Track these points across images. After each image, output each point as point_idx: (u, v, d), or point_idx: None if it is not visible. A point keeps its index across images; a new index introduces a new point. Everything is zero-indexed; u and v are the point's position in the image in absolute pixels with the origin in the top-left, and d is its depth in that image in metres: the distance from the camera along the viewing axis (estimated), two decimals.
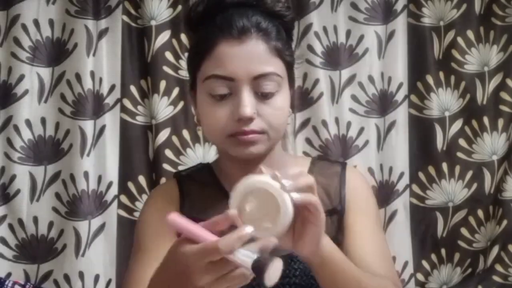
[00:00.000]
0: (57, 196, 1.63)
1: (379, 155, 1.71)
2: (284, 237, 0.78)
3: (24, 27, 1.63)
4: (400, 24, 1.72)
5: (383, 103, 1.71)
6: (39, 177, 1.63)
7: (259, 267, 0.70)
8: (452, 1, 1.72)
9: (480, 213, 1.70)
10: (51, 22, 1.65)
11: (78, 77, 1.63)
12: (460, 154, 1.71)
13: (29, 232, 1.61)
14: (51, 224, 1.62)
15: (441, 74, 1.72)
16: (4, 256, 1.61)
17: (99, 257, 1.62)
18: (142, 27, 1.67)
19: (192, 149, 1.67)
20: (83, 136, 1.62)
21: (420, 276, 1.70)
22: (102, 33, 1.65)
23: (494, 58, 1.72)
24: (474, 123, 1.71)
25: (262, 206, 0.76)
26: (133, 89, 1.68)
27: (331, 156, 1.66)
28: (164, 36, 1.66)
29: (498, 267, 1.67)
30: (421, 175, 1.71)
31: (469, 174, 1.70)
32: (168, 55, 1.67)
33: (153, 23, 1.66)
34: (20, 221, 1.61)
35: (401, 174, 1.70)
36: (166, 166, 1.64)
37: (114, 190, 1.64)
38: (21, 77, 1.62)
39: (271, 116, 0.97)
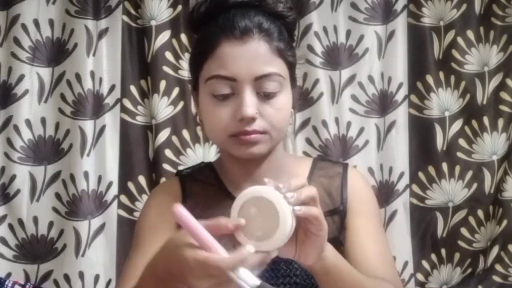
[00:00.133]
0: (57, 196, 1.63)
1: (379, 155, 1.71)
2: (287, 247, 0.79)
3: (24, 27, 1.63)
4: (400, 24, 1.72)
5: (383, 103, 1.71)
6: (39, 177, 1.63)
7: None
8: (452, 1, 1.72)
9: (480, 213, 1.70)
10: (51, 22, 1.65)
11: (78, 77, 1.63)
12: (460, 154, 1.71)
13: (29, 232, 1.61)
14: (51, 224, 1.62)
15: (441, 74, 1.72)
16: (4, 256, 1.61)
17: (99, 257, 1.63)
18: (142, 27, 1.67)
19: (192, 149, 1.67)
20: (83, 136, 1.62)
21: (420, 276, 1.70)
22: (102, 33, 1.65)
23: (494, 58, 1.72)
24: (474, 123, 1.71)
25: (264, 217, 0.77)
26: (133, 89, 1.67)
27: (331, 156, 1.66)
28: (164, 36, 1.66)
29: (498, 267, 1.68)
30: (421, 175, 1.71)
31: (469, 174, 1.70)
32: (168, 55, 1.67)
33: (153, 23, 1.66)
34: (20, 221, 1.61)
35: (401, 174, 1.70)
36: (166, 166, 1.64)
37: (114, 190, 1.64)
38: (21, 77, 1.62)
39: (273, 116, 0.97)
